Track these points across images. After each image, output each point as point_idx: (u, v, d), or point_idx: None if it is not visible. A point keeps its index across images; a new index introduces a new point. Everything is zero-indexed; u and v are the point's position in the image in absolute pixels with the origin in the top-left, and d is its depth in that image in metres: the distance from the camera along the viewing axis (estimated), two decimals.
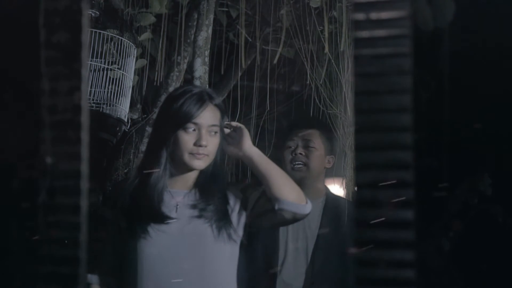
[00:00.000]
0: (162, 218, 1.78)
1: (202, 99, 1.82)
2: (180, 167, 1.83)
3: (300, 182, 2.38)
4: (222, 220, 1.81)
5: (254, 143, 1.92)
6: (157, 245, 1.77)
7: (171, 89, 2.98)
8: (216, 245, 1.79)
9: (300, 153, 2.40)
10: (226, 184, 1.93)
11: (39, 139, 0.76)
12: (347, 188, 2.78)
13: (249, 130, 1.93)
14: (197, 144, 1.78)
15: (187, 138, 1.79)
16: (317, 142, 2.43)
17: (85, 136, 0.76)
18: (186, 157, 1.79)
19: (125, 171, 3.09)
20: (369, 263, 0.71)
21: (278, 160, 2.48)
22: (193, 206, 1.82)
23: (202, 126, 1.80)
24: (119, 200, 1.84)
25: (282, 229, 2.38)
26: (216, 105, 1.86)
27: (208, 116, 1.82)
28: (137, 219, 1.79)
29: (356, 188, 0.73)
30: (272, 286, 2.26)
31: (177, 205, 1.82)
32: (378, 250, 0.71)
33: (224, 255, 1.82)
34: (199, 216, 1.80)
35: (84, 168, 0.76)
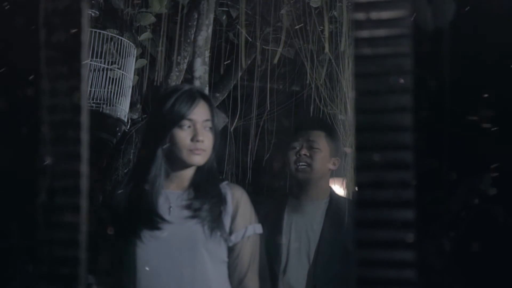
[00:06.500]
0: (155, 223, 1.78)
1: (193, 96, 1.83)
2: (177, 165, 1.83)
3: (304, 183, 2.39)
4: (216, 220, 1.81)
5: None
6: (150, 251, 1.77)
7: None
8: (207, 246, 1.79)
9: (305, 154, 2.39)
10: (219, 180, 1.93)
11: (39, 139, 0.76)
12: (347, 188, 2.78)
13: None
14: (194, 140, 1.79)
15: (183, 135, 1.80)
16: (322, 143, 2.42)
17: (85, 136, 0.76)
18: (185, 154, 1.79)
19: (125, 171, 3.09)
20: (369, 263, 0.71)
21: (279, 160, 2.47)
22: (187, 207, 1.82)
23: (197, 121, 1.81)
24: (114, 204, 1.84)
25: (284, 231, 2.37)
26: (207, 101, 1.87)
27: (201, 112, 1.83)
28: (131, 224, 1.79)
29: (356, 188, 0.73)
30: (269, 286, 2.25)
31: (170, 207, 1.81)
32: (378, 250, 0.71)
33: (215, 256, 1.81)
34: (193, 217, 1.80)
35: (84, 168, 0.76)
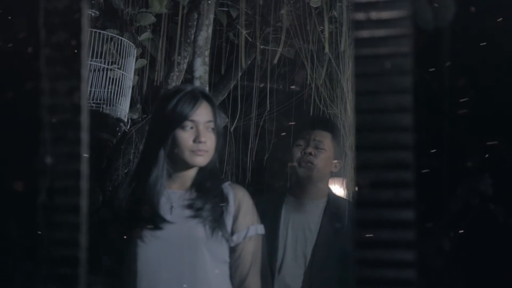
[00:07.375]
0: (157, 223, 1.78)
1: (195, 97, 1.83)
2: (179, 166, 1.83)
3: (304, 181, 2.40)
4: (217, 220, 1.81)
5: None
6: (152, 250, 1.77)
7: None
8: (208, 245, 1.79)
9: (310, 153, 2.40)
10: (222, 181, 1.93)
11: (39, 139, 0.76)
12: (347, 188, 2.78)
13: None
14: (196, 141, 1.79)
15: (186, 136, 1.80)
16: (328, 144, 2.43)
17: (85, 136, 0.76)
18: (187, 155, 1.80)
19: (125, 171, 3.09)
20: (369, 263, 0.71)
21: (279, 159, 2.48)
22: (189, 206, 1.82)
23: (199, 122, 1.81)
24: (116, 205, 1.84)
25: (281, 230, 2.38)
26: (209, 102, 1.87)
27: (203, 113, 1.83)
28: (133, 224, 1.79)
29: (356, 188, 0.73)
30: (271, 286, 2.25)
31: (172, 207, 1.82)
32: (378, 250, 0.71)
33: (217, 256, 1.81)
34: (195, 216, 1.80)
35: (84, 168, 0.76)
